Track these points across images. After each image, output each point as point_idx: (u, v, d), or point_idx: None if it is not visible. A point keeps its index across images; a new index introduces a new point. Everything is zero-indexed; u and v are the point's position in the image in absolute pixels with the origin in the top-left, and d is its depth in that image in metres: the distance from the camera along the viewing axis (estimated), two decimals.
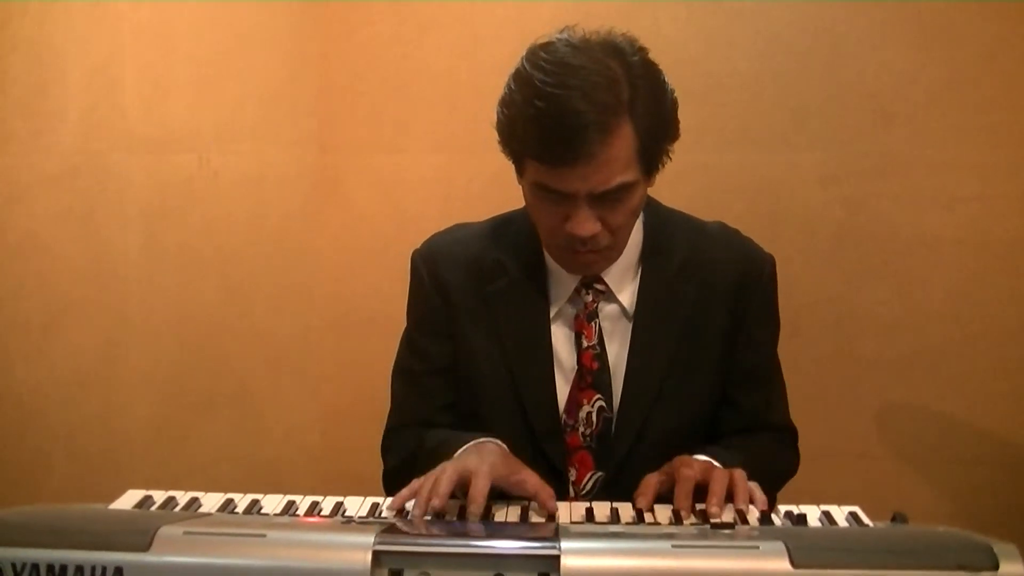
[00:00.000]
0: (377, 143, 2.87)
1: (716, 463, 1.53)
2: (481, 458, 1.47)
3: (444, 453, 1.55)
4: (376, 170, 2.88)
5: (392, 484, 1.75)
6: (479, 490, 1.38)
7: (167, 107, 2.61)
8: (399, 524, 1.30)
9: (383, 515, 1.39)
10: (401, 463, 1.74)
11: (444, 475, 1.40)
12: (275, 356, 2.87)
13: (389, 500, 1.44)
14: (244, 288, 2.79)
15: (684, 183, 2.63)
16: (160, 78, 2.59)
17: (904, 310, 2.72)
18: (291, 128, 2.84)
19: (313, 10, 2.84)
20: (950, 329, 2.70)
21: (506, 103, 1.56)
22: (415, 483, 1.42)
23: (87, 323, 2.50)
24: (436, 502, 1.36)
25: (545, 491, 1.43)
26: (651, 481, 1.48)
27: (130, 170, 2.54)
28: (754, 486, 1.45)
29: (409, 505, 1.40)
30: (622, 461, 1.68)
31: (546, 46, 1.53)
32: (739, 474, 1.46)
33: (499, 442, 1.60)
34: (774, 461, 1.74)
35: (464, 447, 1.56)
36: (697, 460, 1.52)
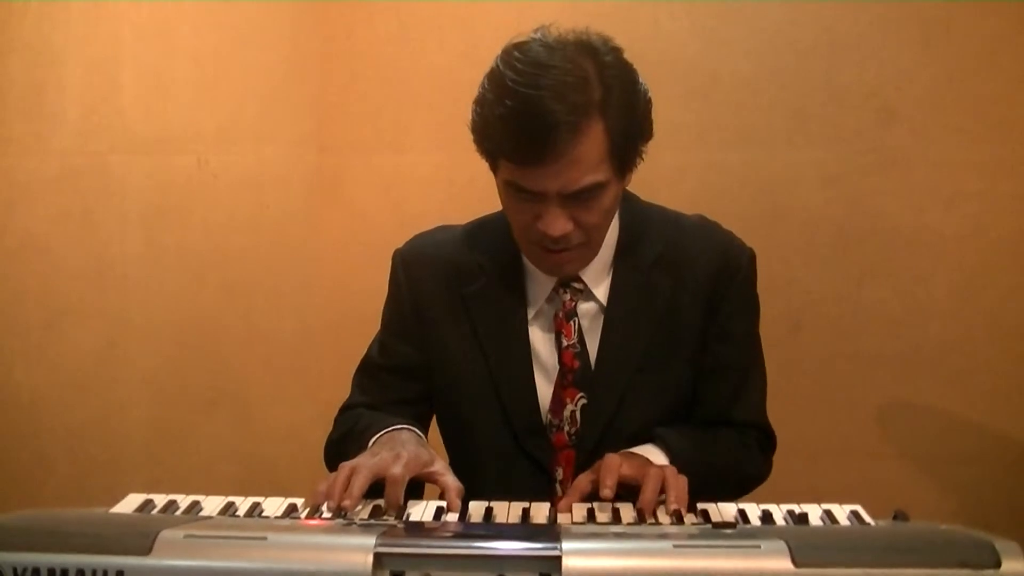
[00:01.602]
0: (377, 143, 2.86)
1: (657, 458, 1.55)
2: (395, 453, 1.49)
3: (363, 438, 1.60)
4: (376, 170, 2.87)
5: (328, 454, 1.81)
6: (394, 498, 1.41)
7: (166, 108, 2.61)
8: (400, 526, 1.30)
9: (384, 517, 1.39)
10: (339, 438, 1.78)
11: (358, 476, 1.42)
12: (275, 356, 2.87)
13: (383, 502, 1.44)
14: (244, 289, 2.79)
15: (685, 182, 2.64)
16: (159, 79, 2.59)
17: (905, 308, 2.72)
18: (291, 128, 2.84)
19: (312, 10, 2.84)
20: (952, 326, 2.70)
21: (479, 102, 1.57)
22: (324, 484, 1.44)
23: (87, 324, 2.50)
24: (347, 503, 1.38)
25: (453, 491, 1.47)
26: (580, 483, 1.50)
27: (129, 171, 2.54)
28: (683, 484, 1.44)
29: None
30: (590, 454, 1.66)
31: (520, 45, 1.54)
32: (671, 472, 1.45)
33: (415, 429, 1.63)
34: (731, 458, 1.73)
35: (378, 436, 1.60)
36: (627, 458, 1.52)
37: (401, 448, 1.52)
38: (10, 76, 2.29)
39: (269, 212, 2.83)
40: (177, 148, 2.63)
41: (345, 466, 1.46)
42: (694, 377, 1.73)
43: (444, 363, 1.75)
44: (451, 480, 1.49)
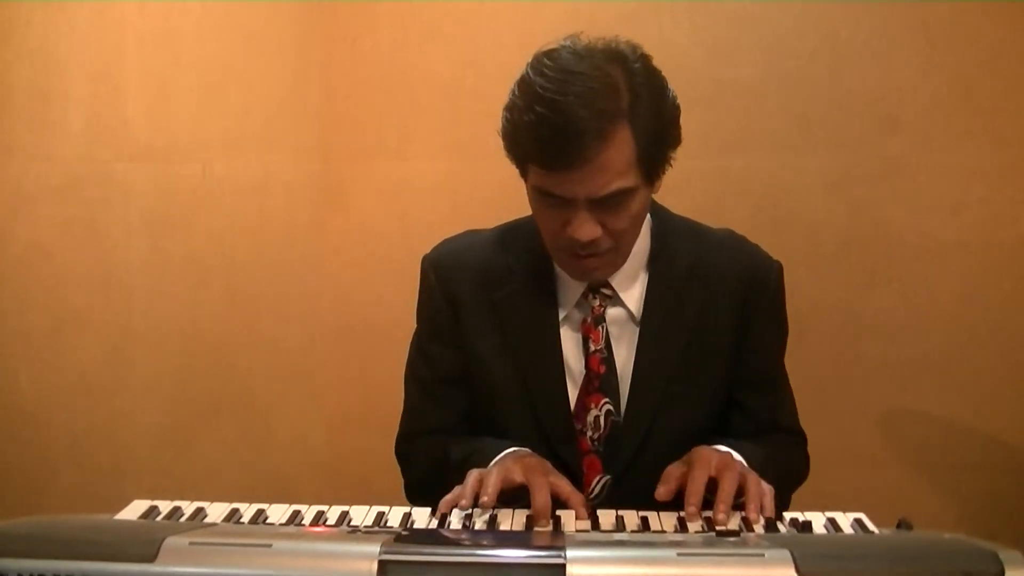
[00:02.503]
0: (381, 150, 2.87)
1: (736, 455, 1.55)
2: (526, 463, 1.52)
3: (477, 463, 1.57)
4: (381, 177, 2.88)
5: (416, 495, 1.78)
6: (543, 502, 1.42)
7: (171, 116, 2.62)
8: (405, 533, 1.30)
9: (389, 524, 1.39)
10: (426, 474, 1.76)
11: (491, 476, 1.45)
12: (280, 363, 2.87)
13: (394, 508, 1.45)
14: (249, 296, 2.80)
15: (689, 188, 2.64)
16: (163, 87, 2.60)
17: (909, 314, 2.72)
18: (295, 136, 2.84)
19: (317, 17, 2.84)
20: (956, 333, 2.70)
21: (509, 108, 1.57)
22: (459, 489, 1.47)
23: (92, 332, 2.51)
24: (486, 499, 1.41)
25: (576, 496, 1.48)
26: (674, 473, 1.50)
27: (134, 179, 2.55)
28: (766, 489, 1.45)
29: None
30: (628, 464, 1.69)
31: (550, 53, 1.55)
32: (754, 479, 1.46)
33: (530, 451, 1.62)
34: (788, 462, 1.75)
35: (501, 455, 1.59)
36: (716, 452, 1.53)
37: (531, 460, 1.55)
38: (14, 85, 2.30)
39: (273, 220, 2.83)
40: (181, 156, 2.64)
41: (474, 473, 1.49)
42: (726, 389, 1.75)
43: (476, 366, 1.75)
44: (570, 486, 1.51)
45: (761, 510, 1.41)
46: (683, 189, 2.61)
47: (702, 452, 1.53)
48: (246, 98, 2.76)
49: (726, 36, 2.72)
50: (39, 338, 2.40)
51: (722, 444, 1.60)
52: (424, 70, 2.84)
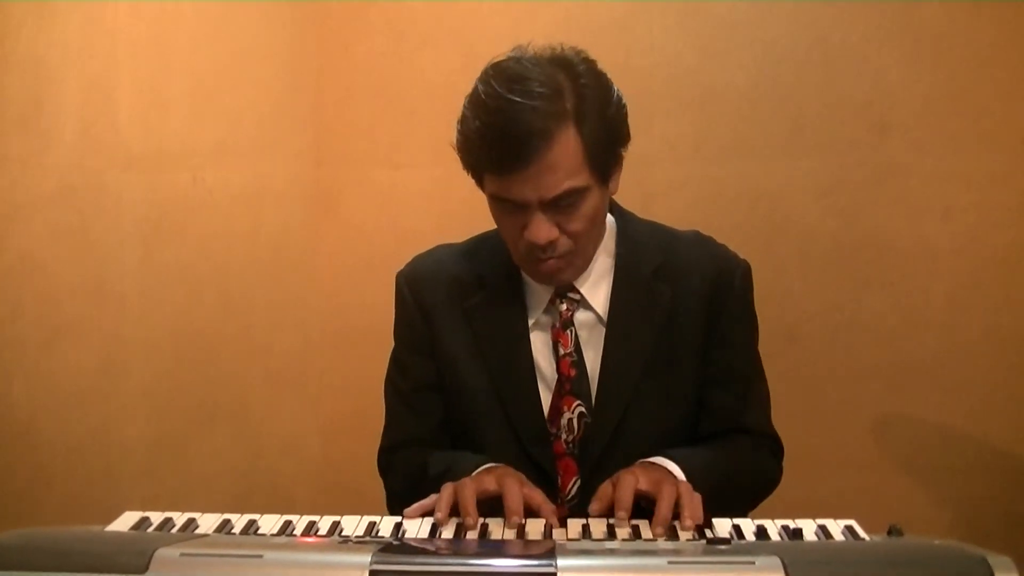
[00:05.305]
0: (373, 157, 2.87)
1: (674, 470, 1.56)
2: (500, 473, 1.54)
3: (454, 478, 1.57)
4: (373, 184, 2.88)
5: (398, 507, 1.76)
6: (515, 500, 1.44)
7: (163, 124, 2.61)
8: (396, 543, 1.30)
9: (380, 534, 1.39)
10: (406, 487, 1.76)
11: (466, 493, 1.46)
12: (273, 370, 2.87)
13: (385, 518, 1.45)
14: (242, 303, 2.80)
15: (681, 193, 2.65)
16: (155, 95, 2.59)
17: (901, 319, 2.72)
18: (287, 143, 2.84)
19: (309, 25, 2.85)
20: (947, 338, 2.70)
21: (460, 121, 1.61)
22: (432, 497, 1.48)
23: (85, 340, 2.50)
24: (471, 522, 1.42)
25: (548, 506, 1.48)
26: (605, 490, 1.50)
27: (126, 187, 2.54)
28: (697, 501, 1.45)
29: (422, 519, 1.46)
30: (596, 464, 1.69)
31: (496, 65, 1.59)
32: (686, 488, 1.46)
33: (505, 466, 1.63)
34: (747, 467, 1.74)
35: (477, 471, 1.60)
36: (646, 468, 1.55)
37: (504, 472, 1.56)
38: (6, 94, 2.29)
39: (266, 227, 2.83)
40: (174, 164, 2.63)
41: (449, 487, 1.49)
42: (698, 388, 1.75)
43: (451, 375, 1.78)
44: (543, 497, 1.51)
45: (691, 516, 1.42)
46: (676, 194, 2.63)
47: (630, 469, 1.54)
48: (238, 105, 2.76)
49: (717, 42, 2.73)
50: (32, 347, 2.39)
51: (658, 457, 1.61)
52: (416, 76, 2.85)
